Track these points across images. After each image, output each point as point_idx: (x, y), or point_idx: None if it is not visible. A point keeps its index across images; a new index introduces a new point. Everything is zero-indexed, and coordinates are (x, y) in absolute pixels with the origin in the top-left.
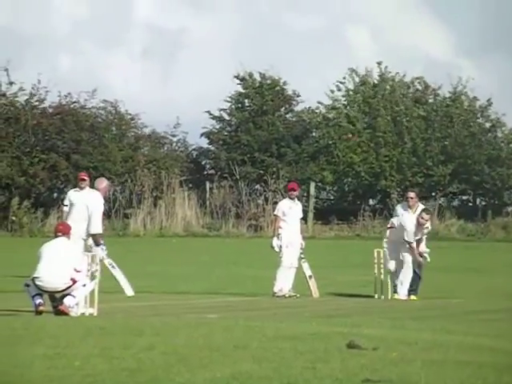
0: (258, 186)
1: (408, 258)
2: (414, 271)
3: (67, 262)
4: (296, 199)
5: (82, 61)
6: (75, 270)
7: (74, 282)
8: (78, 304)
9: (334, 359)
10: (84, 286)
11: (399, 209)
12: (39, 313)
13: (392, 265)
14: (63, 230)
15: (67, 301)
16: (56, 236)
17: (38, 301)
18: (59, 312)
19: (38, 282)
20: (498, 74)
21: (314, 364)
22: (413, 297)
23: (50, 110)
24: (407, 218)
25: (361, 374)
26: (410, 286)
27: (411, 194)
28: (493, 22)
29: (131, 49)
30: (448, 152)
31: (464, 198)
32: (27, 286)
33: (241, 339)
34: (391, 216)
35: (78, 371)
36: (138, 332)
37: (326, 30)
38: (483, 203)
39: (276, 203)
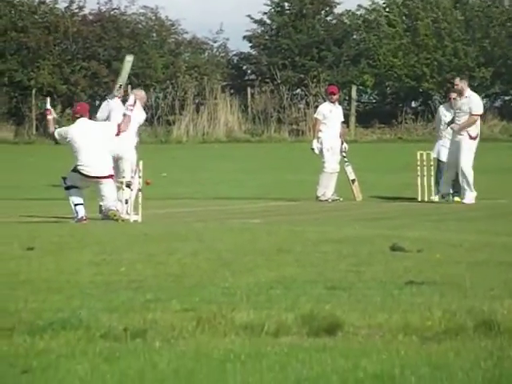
0: (298, 91)
1: (464, 161)
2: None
3: (106, 147)
4: (337, 103)
5: None
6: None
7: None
8: (125, 203)
9: (378, 262)
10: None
11: (442, 110)
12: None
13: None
14: (81, 111)
15: (111, 206)
16: (75, 118)
17: (81, 215)
18: (109, 217)
19: (81, 168)
20: None
21: (357, 267)
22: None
23: (90, 17)
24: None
25: (404, 276)
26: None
27: (453, 95)
28: None
29: None
30: (488, 53)
31: (506, 98)
32: (67, 188)
33: (284, 243)
34: (433, 118)
35: (124, 277)
36: (182, 238)
37: None
38: None
39: (317, 107)
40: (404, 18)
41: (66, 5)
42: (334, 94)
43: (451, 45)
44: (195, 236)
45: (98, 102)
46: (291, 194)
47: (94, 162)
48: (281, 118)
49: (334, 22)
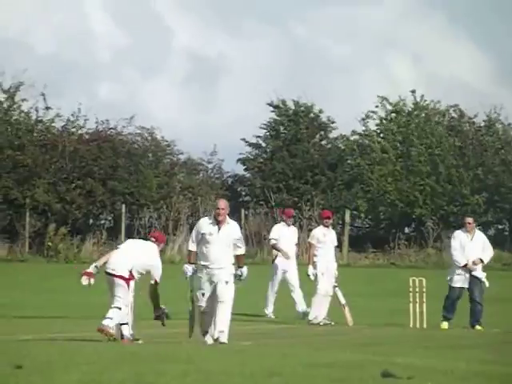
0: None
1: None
2: (477, 301)
3: (137, 255)
4: (330, 227)
5: (123, 88)
6: (141, 271)
7: (128, 279)
8: (117, 325)
9: None
10: (120, 309)
11: (460, 235)
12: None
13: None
14: (156, 237)
15: (105, 322)
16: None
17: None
18: (101, 331)
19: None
20: None
21: None
22: (478, 327)
23: (87, 137)
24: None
25: None
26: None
27: (469, 220)
28: None
29: (171, 76)
30: (482, 180)
31: (500, 227)
32: None
33: (275, 366)
34: (426, 244)
35: None
36: (171, 359)
37: (363, 57)
38: None
39: (310, 230)
40: (397, 144)
41: (64, 123)
42: (329, 219)
43: (445, 171)
44: (185, 357)
45: (91, 221)
46: (283, 316)
47: (114, 261)
48: None
49: (329, 146)
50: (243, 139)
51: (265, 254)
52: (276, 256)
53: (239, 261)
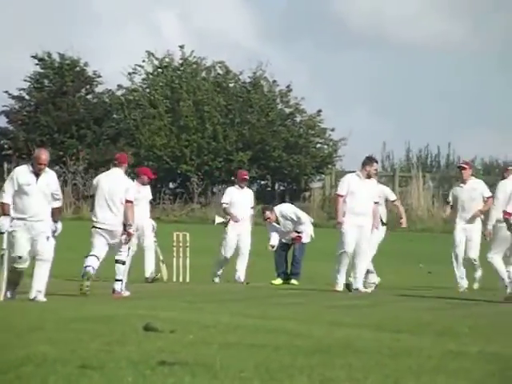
0: (57, 168)
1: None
2: (296, 256)
3: None
4: (146, 184)
5: None
6: None
7: None
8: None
9: (131, 341)
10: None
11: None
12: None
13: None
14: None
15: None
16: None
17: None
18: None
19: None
20: (302, 60)
21: (110, 346)
22: (294, 281)
23: None
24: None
25: (157, 356)
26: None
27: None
28: (300, 8)
29: None
30: (246, 138)
31: (263, 182)
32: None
33: (37, 321)
34: (191, 199)
35: None
36: None
37: (132, 12)
38: (281, 188)
39: (75, 185)
40: (166, 99)
41: None
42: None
43: (211, 128)
44: None
45: None
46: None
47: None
48: None
49: (95, 100)
50: (6, 92)
51: None
52: (228, 220)
53: (55, 214)
